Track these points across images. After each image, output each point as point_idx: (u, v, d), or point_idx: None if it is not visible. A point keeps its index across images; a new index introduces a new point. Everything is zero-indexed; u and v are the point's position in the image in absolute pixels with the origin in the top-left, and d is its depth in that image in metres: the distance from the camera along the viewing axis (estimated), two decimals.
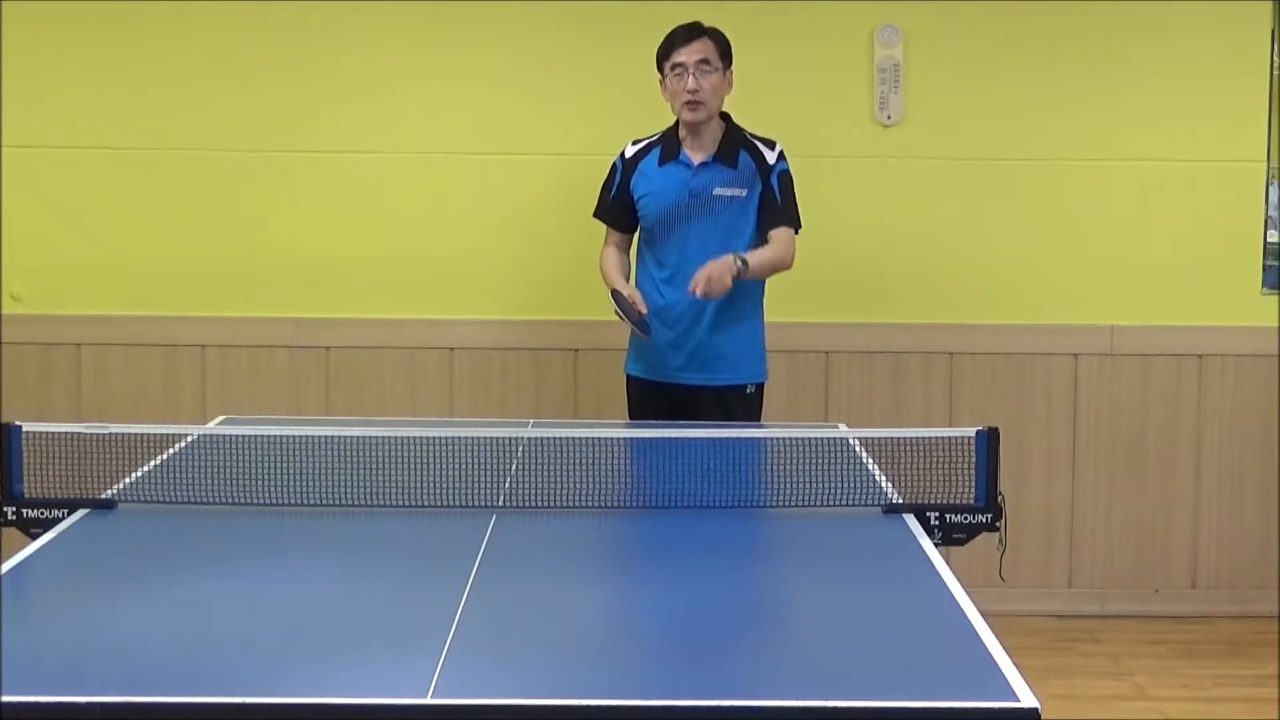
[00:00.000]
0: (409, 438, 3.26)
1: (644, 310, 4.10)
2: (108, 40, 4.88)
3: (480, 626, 2.29)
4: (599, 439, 3.36)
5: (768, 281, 4.28)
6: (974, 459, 3.09)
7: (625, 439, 3.66)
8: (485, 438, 3.42)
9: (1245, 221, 4.98)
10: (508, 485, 3.18)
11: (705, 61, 4.13)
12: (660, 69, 4.20)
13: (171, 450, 3.40)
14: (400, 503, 3.02)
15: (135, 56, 4.89)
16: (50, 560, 2.70)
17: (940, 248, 4.97)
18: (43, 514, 2.96)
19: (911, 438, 3.25)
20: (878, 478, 3.26)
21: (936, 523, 3.02)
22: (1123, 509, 5.06)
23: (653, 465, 3.43)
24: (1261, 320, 4.98)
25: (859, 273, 4.97)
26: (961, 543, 3.06)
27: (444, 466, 3.09)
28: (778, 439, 3.62)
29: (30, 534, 2.92)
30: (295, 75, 4.90)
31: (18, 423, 3.05)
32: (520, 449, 3.48)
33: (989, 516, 3.05)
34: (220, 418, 4.16)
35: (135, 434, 3.23)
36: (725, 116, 4.25)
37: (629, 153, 4.31)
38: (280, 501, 3.00)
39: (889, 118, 4.91)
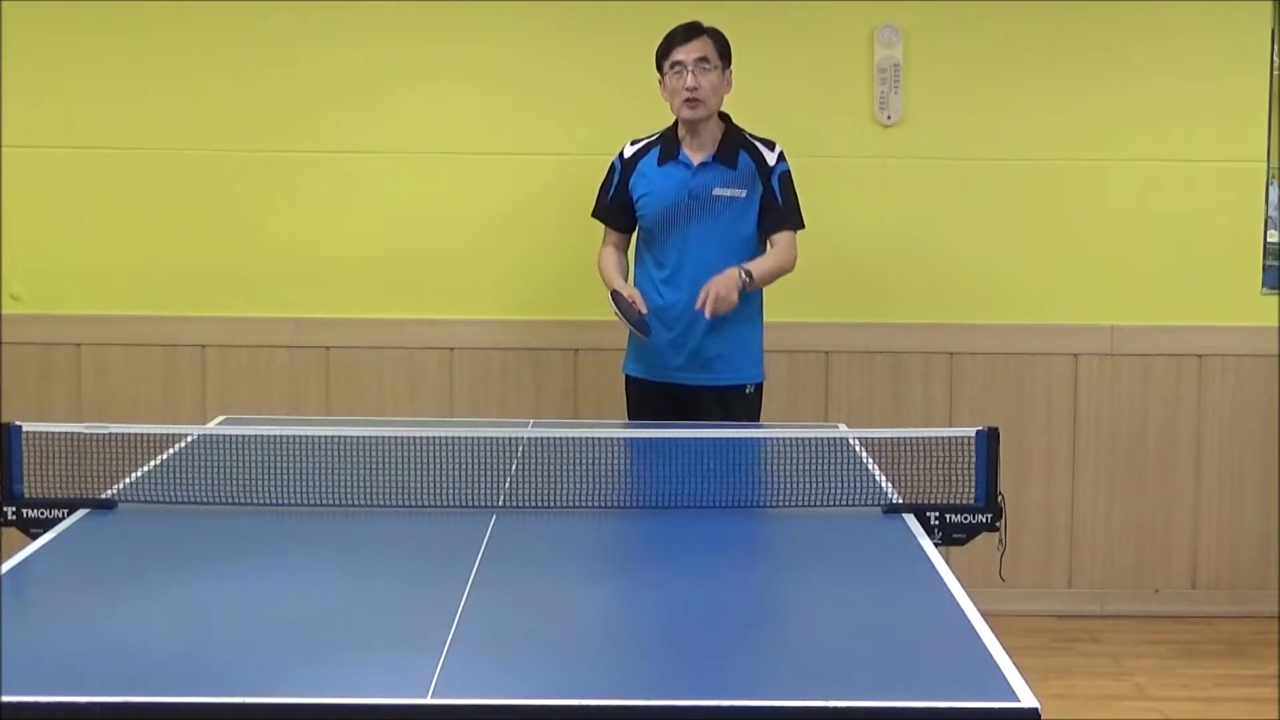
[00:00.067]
0: (409, 438, 3.27)
1: (644, 311, 4.10)
2: (108, 40, 4.88)
3: (480, 626, 2.29)
4: (599, 439, 3.36)
5: None
6: (974, 459, 3.09)
7: (625, 439, 3.66)
8: (485, 438, 3.42)
9: (1245, 221, 4.98)
10: (508, 485, 3.18)
11: (704, 60, 4.13)
12: (659, 68, 4.20)
13: (171, 450, 3.40)
14: (400, 503, 3.01)
15: (135, 56, 4.89)
16: (50, 560, 2.70)
17: (940, 248, 4.97)
18: (43, 514, 2.96)
19: (911, 438, 3.25)
20: (878, 478, 3.26)
21: (936, 523, 3.02)
22: (1123, 509, 5.06)
23: (653, 465, 3.43)
24: (1261, 320, 4.98)
25: (859, 273, 4.97)
26: (961, 543, 3.06)
27: (444, 466, 3.09)
28: (778, 439, 3.62)
29: (30, 534, 2.92)
30: (295, 75, 4.90)
31: (18, 423, 3.05)
32: (520, 449, 3.48)
33: (989, 516, 3.05)
34: (220, 418, 4.16)
35: (135, 434, 3.23)
36: (725, 117, 4.25)
37: (628, 153, 4.31)
38: (280, 501, 3.00)
39: (889, 118, 4.91)
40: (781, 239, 4.22)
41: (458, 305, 4.96)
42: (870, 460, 3.38)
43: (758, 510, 3.10)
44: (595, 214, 4.38)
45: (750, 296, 4.21)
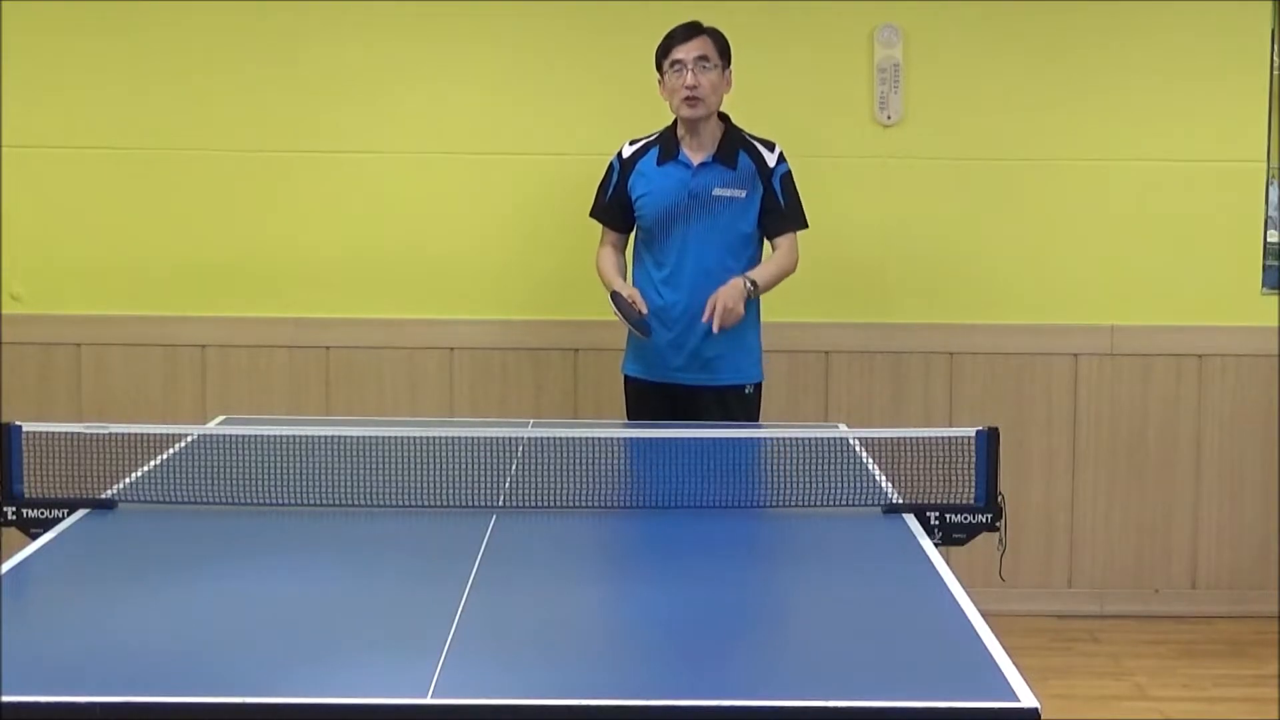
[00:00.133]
0: (409, 438, 3.27)
1: (644, 310, 4.10)
2: (108, 40, 4.88)
3: (480, 626, 2.29)
4: (599, 439, 3.35)
5: None
6: (974, 459, 3.09)
7: (625, 439, 3.66)
8: (485, 438, 3.42)
9: (1245, 221, 4.98)
10: (508, 485, 3.18)
11: (704, 58, 4.13)
12: (659, 67, 4.20)
13: (171, 450, 3.40)
14: (400, 503, 3.01)
15: (135, 56, 4.89)
16: (50, 560, 2.70)
17: (940, 248, 4.97)
18: (43, 514, 2.96)
19: (911, 438, 3.25)
20: (878, 478, 3.26)
21: (936, 523, 3.02)
22: (1123, 509, 5.06)
23: (652, 465, 3.43)
24: (1261, 320, 4.98)
25: (859, 273, 4.97)
26: (961, 543, 3.06)
27: (444, 466, 3.09)
28: (777, 439, 3.62)
29: (30, 534, 2.92)
30: (295, 75, 4.90)
31: (18, 423, 3.05)
32: (520, 449, 3.48)
33: (989, 516, 3.05)
34: (220, 418, 4.16)
35: (135, 434, 3.23)
36: (724, 117, 4.25)
37: (626, 152, 4.31)
38: (280, 501, 3.00)
39: (889, 118, 4.91)
40: (784, 241, 4.23)
41: (458, 305, 4.96)
42: (870, 460, 3.37)
43: (758, 510, 3.10)
44: (593, 214, 4.38)
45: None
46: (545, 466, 3.27)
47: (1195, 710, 4.28)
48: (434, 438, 3.20)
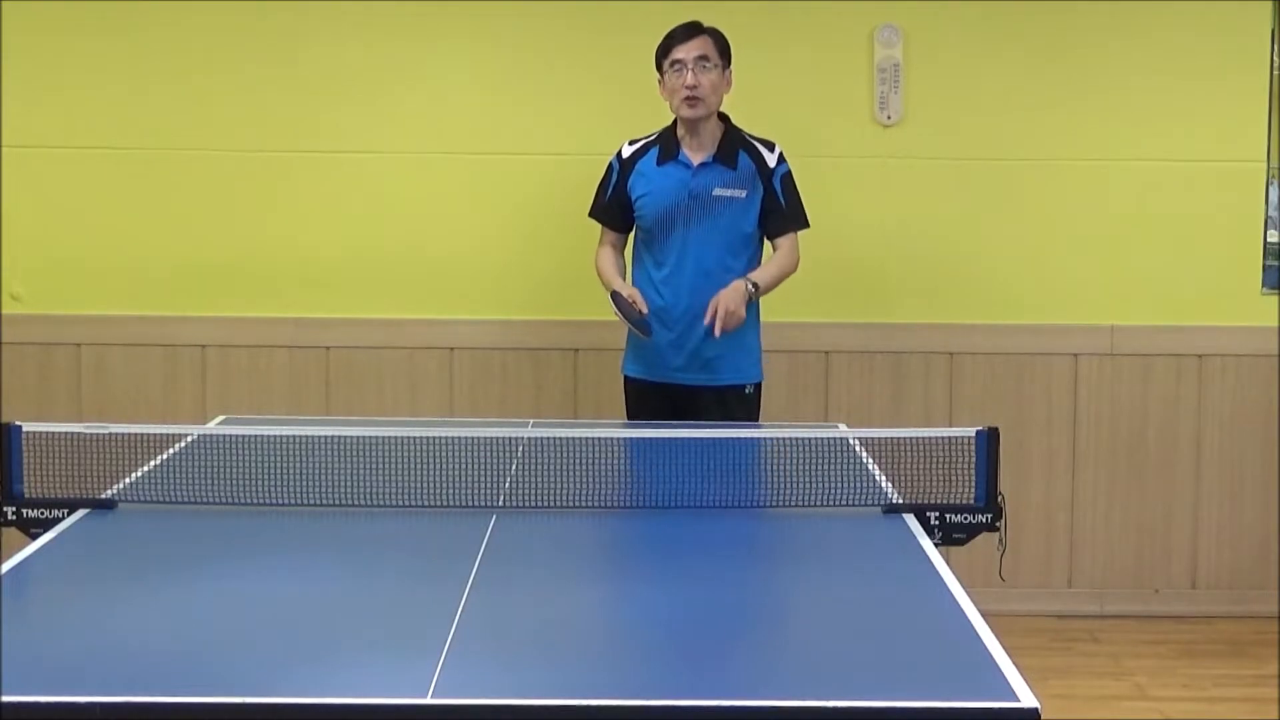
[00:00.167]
0: (409, 438, 3.27)
1: (645, 310, 4.10)
2: (108, 40, 4.88)
3: (480, 626, 2.29)
4: (599, 439, 3.35)
5: None
6: (974, 459, 3.09)
7: (625, 439, 3.66)
8: (485, 438, 3.42)
9: (1245, 221, 4.98)
10: (508, 485, 3.18)
11: (704, 58, 4.13)
12: (659, 67, 4.20)
13: (171, 450, 3.40)
14: (400, 503, 3.01)
15: (135, 56, 4.89)
16: (50, 560, 2.70)
17: (940, 248, 4.97)
18: (43, 514, 2.96)
19: (911, 438, 3.25)
20: (878, 478, 3.26)
21: (936, 523, 3.02)
22: (1123, 509, 5.06)
23: (652, 465, 3.43)
24: (1261, 320, 4.98)
25: (859, 273, 4.97)
26: (961, 543, 3.06)
27: (444, 466, 3.09)
28: (777, 439, 3.62)
29: (30, 534, 2.92)
30: (295, 75, 4.90)
31: (18, 423, 3.05)
32: (520, 449, 3.48)
33: (989, 516, 3.05)
34: (220, 418, 4.16)
35: (135, 434, 3.23)
36: (724, 118, 4.25)
37: (626, 152, 4.30)
38: (280, 501, 3.00)
39: (889, 118, 4.91)
40: (785, 242, 4.23)
41: (458, 305, 4.96)
42: (870, 460, 3.37)
43: (758, 510, 3.10)
44: (592, 214, 4.38)
45: None
46: (545, 466, 3.28)
47: (1195, 710, 4.28)
48: (434, 438, 3.20)
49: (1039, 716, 1.94)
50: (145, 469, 3.22)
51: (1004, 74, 4.93)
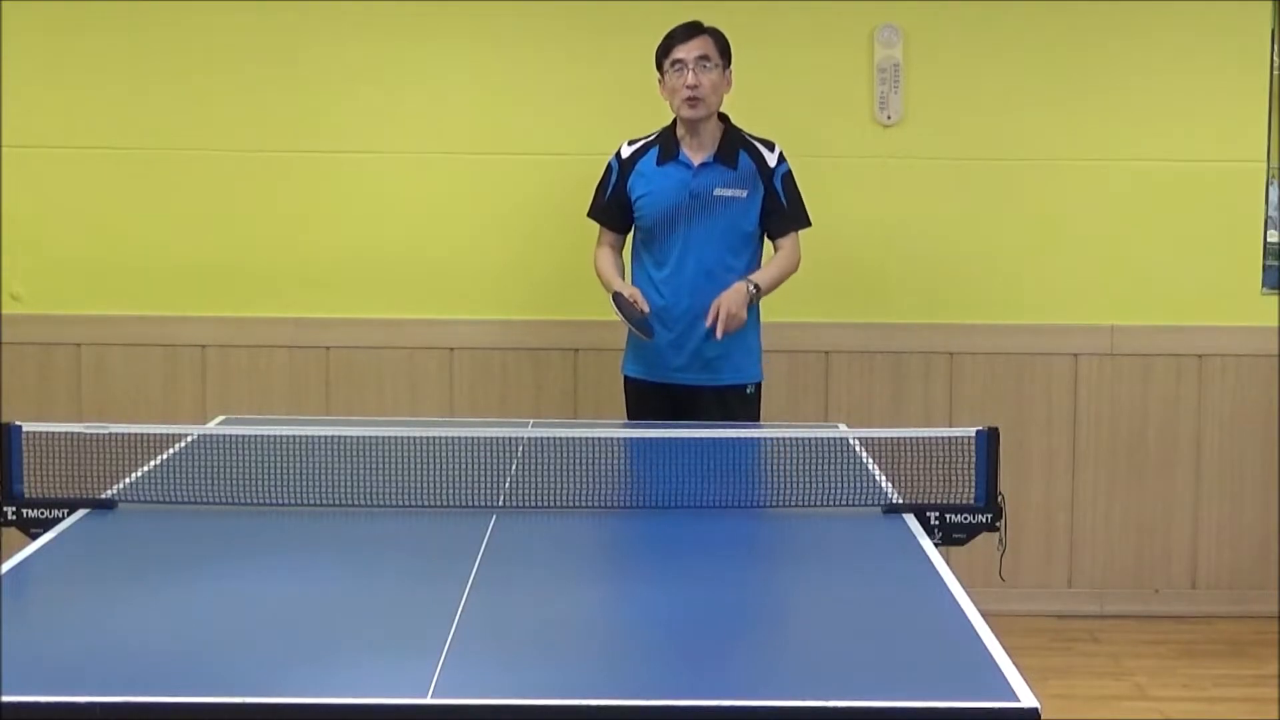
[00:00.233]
0: (409, 438, 3.26)
1: (646, 310, 4.10)
2: (108, 40, 4.88)
3: (480, 626, 2.29)
4: (599, 439, 3.35)
5: None
6: (974, 459, 3.09)
7: (625, 439, 3.66)
8: (485, 438, 3.42)
9: (1245, 221, 4.98)
10: (508, 485, 3.18)
11: (705, 58, 4.13)
12: (659, 67, 4.20)
13: (171, 450, 3.40)
14: (400, 503, 3.02)
15: (135, 56, 4.89)
16: (50, 560, 2.70)
17: (940, 248, 4.97)
18: (43, 514, 2.96)
19: (911, 438, 3.25)
20: (878, 478, 3.26)
21: (936, 523, 3.02)
22: (1123, 509, 5.06)
23: (652, 465, 3.43)
24: (1261, 320, 4.98)
25: (859, 273, 4.97)
26: (961, 543, 3.06)
27: (444, 466, 3.09)
28: (777, 439, 3.62)
29: (30, 534, 2.92)
30: (295, 75, 4.90)
31: (18, 423, 3.05)
32: (520, 449, 3.48)
33: (989, 516, 3.05)
34: (220, 418, 4.16)
35: (135, 434, 3.23)
36: (724, 118, 4.25)
37: (625, 153, 4.30)
38: (280, 501, 3.00)
39: (889, 118, 4.91)
40: (786, 242, 4.24)
41: (458, 305, 4.96)
42: (870, 460, 3.37)
43: (758, 510, 3.10)
44: (591, 214, 4.38)
45: None
46: (545, 466, 3.28)
47: (1195, 710, 4.28)
48: (434, 438, 3.20)
49: (1039, 716, 1.94)
50: (145, 469, 3.22)
51: (1004, 74, 4.93)
